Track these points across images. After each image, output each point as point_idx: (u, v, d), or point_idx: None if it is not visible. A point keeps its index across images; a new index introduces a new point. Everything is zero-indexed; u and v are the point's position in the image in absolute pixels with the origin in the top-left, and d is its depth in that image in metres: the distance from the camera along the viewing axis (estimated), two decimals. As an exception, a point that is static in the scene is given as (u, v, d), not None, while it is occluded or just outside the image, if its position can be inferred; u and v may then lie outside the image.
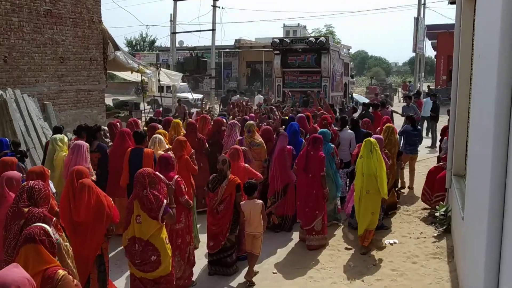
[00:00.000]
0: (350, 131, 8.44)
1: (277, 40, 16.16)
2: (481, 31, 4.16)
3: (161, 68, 17.53)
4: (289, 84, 16.10)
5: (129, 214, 4.37)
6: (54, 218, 3.63)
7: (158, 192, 4.33)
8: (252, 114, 10.11)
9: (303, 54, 15.71)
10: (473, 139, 4.54)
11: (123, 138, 6.97)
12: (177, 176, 5.08)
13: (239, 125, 8.11)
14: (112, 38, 14.70)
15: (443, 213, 6.89)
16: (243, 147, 6.51)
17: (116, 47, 14.87)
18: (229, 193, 5.49)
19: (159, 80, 16.86)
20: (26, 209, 3.57)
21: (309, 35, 32.04)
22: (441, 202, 7.16)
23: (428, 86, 36.27)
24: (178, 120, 8.76)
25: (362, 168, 6.30)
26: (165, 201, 4.35)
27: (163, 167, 5.12)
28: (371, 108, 12.04)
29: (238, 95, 19.56)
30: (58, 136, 6.97)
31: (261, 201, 5.61)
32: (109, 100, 20.18)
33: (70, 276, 2.96)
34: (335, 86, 16.42)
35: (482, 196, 3.35)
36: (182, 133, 8.14)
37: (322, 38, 15.64)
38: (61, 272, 2.89)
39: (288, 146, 7.01)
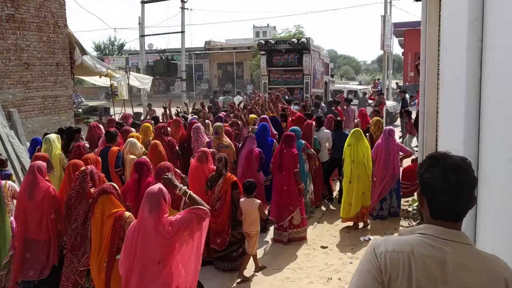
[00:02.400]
0: (326, 130, 8.52)
1: (263, 42, 17.58)
2: (446, 26, 4.23)
3: (131, 72, 17.24)
4: (274, 81, 17.18)
5: None
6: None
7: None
8: (222, 114, 9.94)
9: (286, 54, 16.89)
10: (443, 133, 4.61)
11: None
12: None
13: (203, 127, 7.96)
14: (78, 42, 14.38)
15: (415, 207, 6.98)
16: (211, 149, 6.44)
17: (83, 52, 14.55)
18: (224, 190, 5.61)
19: (128, 84, 16.58)
20: (92, 190, 4.37)
21: (279, 35, 32.06)
22: (413, 198, 7.26)
23: (397, 83, 37.01)
24: (147, 124, 8.61)
25: (351, 156, 7.11)
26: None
27: (143, 171, 5.04)
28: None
29: (223, 96, 20.22)
30: (51, 136, 7.12)
31: (259, 200, 5.70)
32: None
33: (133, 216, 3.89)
34: (316, 84, 17.65)
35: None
36: (152, 137, 8.02)
37: (303, 39, 16.78)
38: (127, 213, 3.97)
39: (256, 149, 6.98)
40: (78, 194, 4.40)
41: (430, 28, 6.69)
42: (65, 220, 4.54)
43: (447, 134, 4.00)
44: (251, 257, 5.75)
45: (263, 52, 17.27)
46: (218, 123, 7.36)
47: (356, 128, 7.67)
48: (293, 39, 17.38)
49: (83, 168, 4.63)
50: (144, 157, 5.89)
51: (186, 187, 3.75)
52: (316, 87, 17.67)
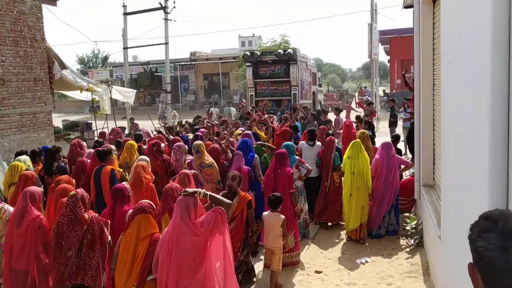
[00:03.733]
0: (318, 143, 8.14)
1: (248, 53, 17.26)
2: (448, 36, 3.87)
3: (113, 85, 16.73)
4: (261, 93, 17.01)
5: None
6: (109, 221, 4.27)
7: None
8: (202, 130, 9.45)
9: (273, 65, 16.68)
10: (448, 148, 4.24)
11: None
12: (131, 211, 4.47)
13: (185, 146, 7.52)
14: (57, 56, 13.86)
15: (413, 226, 6.60)
16: (192, 171, 5.99)
17: (63, 66, 14.02)
18: (240, 210, 5.38)
19: (111, 98, 16.07)
20: (87, 216, 4.10)
21: (264, 45, 31.88)
22: (411, 215, 6.88)
23: (384, 91, 36.96)
24: (132, 142, 8.12)
25: (351, 167, 7.02)
26: None
27: (117, 199, 4.61)
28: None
29: (217, 108, 20.33)
30: (22, 157, 7.07)
31: (283, 216, 5.51)
32: (59, 121, 19.19)
33: None
34: (304, 94, 17.46)
35: (466, 213, 3.02)
36: (136, 156, 7.53)
37: (290, 50, 16.56)
38: None
39: (245, 167, 6.57)
40: (70, 221, 4.09)
41: (424, 36, 6.37)
42: (55, 249, 4.19)
43: (454, 149, 3.62)
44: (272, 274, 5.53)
45: (249, 64, 16.99)
46: (198, 141, 6.87)
47: (356, 140, 7.43)
48: (279, 50, 17.09)
49: (73, 192, 4.30)
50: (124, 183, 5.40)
51: (203, 190, 3.95)
52: (304, 98, 17.49)
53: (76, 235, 4.03)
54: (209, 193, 3.89)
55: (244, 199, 5.39)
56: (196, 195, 3.74)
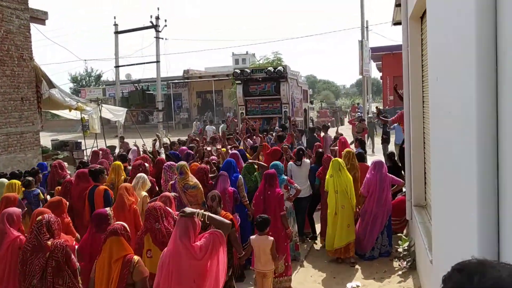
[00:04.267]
0: (307, 161, 7.96)
1: (238, 71, 17.03)
2: (435, 53, 3.74)
3: (103, 104, 16.56)
4: (251, 111, 16.87)
5: (140, 250, 4.47)
6: (76, 247, 4.08)
7: (169, 226, 4.42)
8: (183, 148, 9.23)
9: (263, 83, 16.54)
10: (436, 167, 4.07)
11: (79, 178, 6.73)
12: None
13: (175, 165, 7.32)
14: (46, 75, 13.72)
15: (406, 247, 6.39)
16: (173, 193, 5.77)
17: (51, 85, 13.86)
18: None
19: (101, 117, 15.88)
20: (49, 242, 3.92)
21: (258, 62, 31.89)
22: (404, 237, 6.67)
23: (377, 107, 36.93)
24: (118, 162, 7.89)
25: (334, 186, 6.89)
26: None
27: (98, 225, 4.39)
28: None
29: (213, 126, 20.85)
30: (1, 180, 6.97)
31: (272, 238, 5.34)
32: (49, 140, 18.94)
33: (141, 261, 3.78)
34: (295, 112, 17.31)
35: (458, 238, 2.83)
36: (123, 177, 7.31)
37: (280, 68, 16.48)
38: (136, 258, 3.72)
39: (230, 188, 6.38)
40: (34, 247, 3.93)
41: (412, 52, 6.26)
42: (20, 277, 4.02)
43: (443, 167, 3.45)
44: None
45: (239, 82, 16.95)
46: (181, 162, 6.66)
47: (335, 158, 7.31)
48: (269, 68, 17.03)
49: (39, 218, 4.13)
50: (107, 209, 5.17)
51: (202, 210, 3.89)
52: (296, 115, 17.36)
53: (38, 263, 3.86)
54: (207, 214, 3.82)
55: (225, 218, 5.18)
56: (194, 216, 3.68)
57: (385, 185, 6.94)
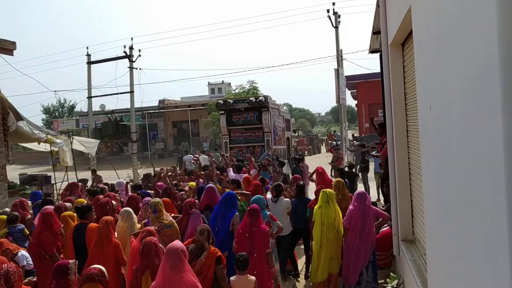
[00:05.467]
0: (286, 199, 7.61)
1: (221, 102, 17.80)
2: (426, 80, 3.50)
3: (74, 136, 15.99)
4: (235, 140, 17.43)
5: None
6: None
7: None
8: (158, 184, 8.78)
9: (245, 113, 17.19)
10: (430, 202, 3.79)
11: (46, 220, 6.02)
12: None
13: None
14: (13, 107, 13.10)
15: (394, 286, 6.04)
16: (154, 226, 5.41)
17: (19, 117, 13.24)
18: (207, 266, 4.92)
19: (72, 149, 15.29)
20: None
21: (234, 91, 31.98)
22: (391, 274, 6.32)
23: (353, 134, 37.18)
24: (70, 212, 7.13)
25: (321, 218, 6.65)
26: None
27: (58, 280, 3.79)
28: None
29: (191, 155, 20.69)
30: None
31: (253, 277, 5.14)
32: (17, 174, 18.15)
33: None
34: (277, 140, 17.89)
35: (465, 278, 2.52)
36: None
37: (261, 98, 17.11)
38: None
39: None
40: None
41: (394, 80, 6.07)
42: None
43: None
44: None
45: (222, 112, 17.44)
46: (155, 199, 6.24)
47: (324, 189, 7.03)
48: (251, 98, 17.64)
49: None
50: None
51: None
52: (278, 144, 17.93)
53: None
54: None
55: (212, 254, 4.92)
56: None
57: (368, 218, 6.63)
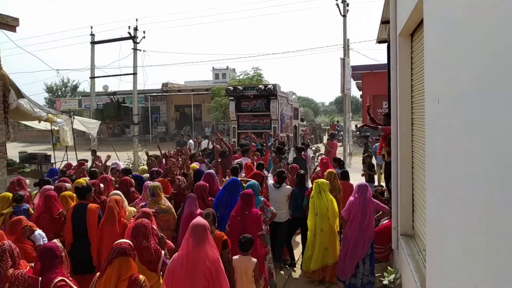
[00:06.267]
0: (288, 186, 7.55)
1: (231, 88, 18.14)
2: (435, 72, 3.37)
3: (75, 116, 15.88)
4: (243, 126, 17.85)
5: None
6: (40, 278, 3.57)
7: (155, 243, 4.36)
8: (154, 169, 8.64)
9: (254, 100, 17.50)
10: (432, 198, 3.68)
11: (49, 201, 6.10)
12: (59, 278, 3.63)
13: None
14: (14, 84, 12.99)
15: (391, 280, 5.96)
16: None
17: (20, 95, 13.14)
18: None
19: (72, 129, 15.19)
20: (11, 271, 3.61)
21: (238, 78, 31.75)
22: (389, 268, 6.24)
23: (356, 125, 36.99)
24: (69, 192, 7.09)
25: (314, 208, 6.79)
26: (163, 252, 4.41)
27: (46, 262, 3.67)
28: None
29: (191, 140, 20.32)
30: None
31: (255, 259, 5.15)
32: (17, 151, 18.12)
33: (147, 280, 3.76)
34: (284, 128, 18.24)
35: (466, 276, 2.43)
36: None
37: (270, 86, 17.36)
38: (142, 277, 3.71)
39: (198, 211, 5.92)
40: None
41: (401, 71, 5.93)
42: None
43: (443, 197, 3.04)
44: None
45: (232, 98, 17.82)
46: (154, 183, 6.15)
47: (318, 179, 7.10)
48: (260, 86, 17.95)
49: (0, 243, 3.74)
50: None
51: None
52: (285, 131, 18.26)
53: None
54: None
55: (219, 238, 4.91)
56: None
57: (368, 210, 6.53)
